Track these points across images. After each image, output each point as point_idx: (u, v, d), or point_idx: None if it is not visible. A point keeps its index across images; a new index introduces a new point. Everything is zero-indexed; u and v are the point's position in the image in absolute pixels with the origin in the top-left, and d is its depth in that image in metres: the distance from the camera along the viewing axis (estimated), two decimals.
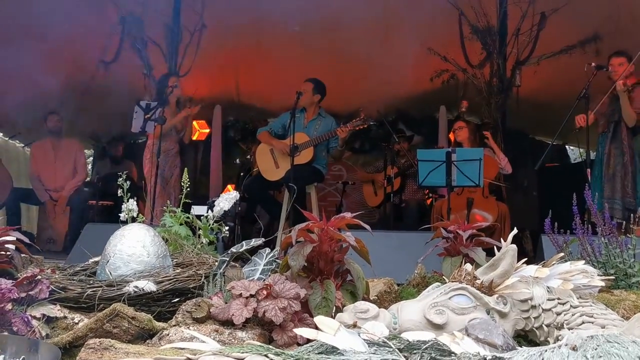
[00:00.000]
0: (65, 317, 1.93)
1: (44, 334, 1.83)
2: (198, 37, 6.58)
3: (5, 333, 1.73)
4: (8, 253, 2.31)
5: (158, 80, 6.06)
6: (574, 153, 9.14)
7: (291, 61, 6.91)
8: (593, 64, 4.52)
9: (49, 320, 1.90)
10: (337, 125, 5.22)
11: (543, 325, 1.78)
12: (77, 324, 1.90)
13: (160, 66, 6.54)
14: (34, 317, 1.86)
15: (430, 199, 6.39)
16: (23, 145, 8.19)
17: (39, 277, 2.00)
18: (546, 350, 1.20)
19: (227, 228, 3.02)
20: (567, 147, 8.85)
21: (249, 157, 7.22)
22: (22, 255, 2.41)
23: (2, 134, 7.61)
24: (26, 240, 2.39)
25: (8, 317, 1.80)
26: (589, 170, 4.28)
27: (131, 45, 6.61)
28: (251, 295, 1.84)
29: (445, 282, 1.91)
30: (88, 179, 6.95)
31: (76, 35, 6.17)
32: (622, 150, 4.69)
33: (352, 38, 6.61)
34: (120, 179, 3.00)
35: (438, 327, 1.70)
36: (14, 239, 2.31)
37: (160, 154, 5.15)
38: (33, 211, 7.17)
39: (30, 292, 1.93)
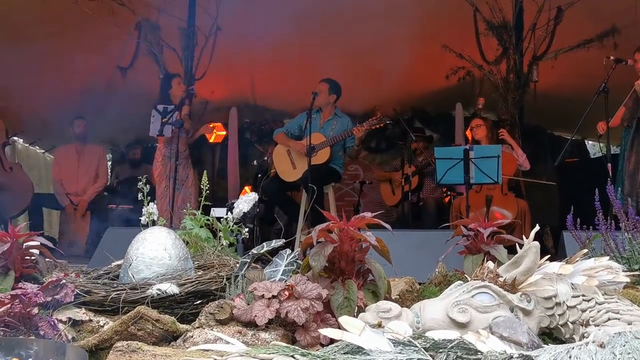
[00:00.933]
0: (90, 320, 1.95)
1: (70, 337, 1.85)
2: (213, 40, 6.61)
3: (32, 337, 1.76)
4: (33, 258, 2.34)
5: (161, 81, 6.11)
6: (594, 148, 9.05)
7: (306, 62, 6.92)
8: (612, 57, 4.47)
9: (74, 324, 1.93)
10: (353, 124, 5.22)
11: (568, 322, 1.76)
12: (102, 326, 1.93)
13: (176, 70, 6.58)
14: (60, 321, 1.89)
15: (449, 197, 6.36)
16: (43, 151, 8.29)
17: (64, 281, 2.02)
18: (573, 348, 1.19)
19: (246, 230, 3.03)
20: (586, 142, 8.76)
21: (266, 158, 7.24)
22: (47, 259, 2.44)
23: (22, 140, 7.71)
24: (50, 245, 2.42)
25: (34, 321, 1.82)
26: (609, 164, 4.23)
27: (147, 50, 6.66)
28: (273, 296, 1.84)
29: (467, 281, 1.90)
30: (108, 183, 7.02)
31: (93, 42, 6.25)
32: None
33: (367, 37, 6.60)
34: (140, 183, 3.02)
35: (461, 326, 1.69)
36: (38, 243, 2.35)
37: (175, 157, 5.19)
38: (54, 216, 7.27)
39: (55, 296, 1.95)
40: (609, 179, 2.88)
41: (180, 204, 5.15)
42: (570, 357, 1.15)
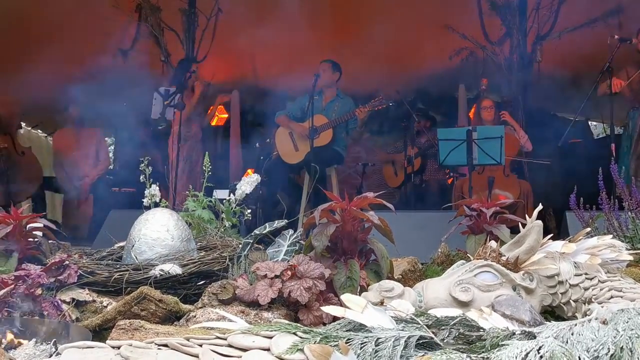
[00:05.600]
0: (94, 301, 1.96)
1: (74, 317, 1.86)
2: (214, 22, 6.57)
3: (37, 317, 1.77)
4: (36, 240, 2.35)
5: (176, 65, 6.09)
6: (597, 129, 9.00)
7: (308, 44, 6.87)
8: (616, 36, 4.43)
9: (78, 304, 1.94)
10: (355, 106, 5.20)
11: (570, 300, 1.76)
12: (105, 307, 1.93)
13: (177, 52, 6.55)
14: (64, 301, 1.90)
15: (452, 179, 6.35)
16: (46, 134, 8.29)
17: (67, 262, 2.03)
18: (576, 325, 1.19)
19: (249, 211, 3.03)
20: (590, 122, 8.71)
21: (268, 140, 7.22)
22: (50, 241, 2.44)
23: (25, 123, 7.70)
24: (52, 227, 2.42)
25: (38, 302, 1.83)
26: (613, 145, 4.21)
27: (148, 32, 6.62)
28: (276, 276, 1.84)
29: (470, 260, 1.89)
30: (111, 167, 7.02)
31: (93, 24, 6.21)
32: None
33: (370, 18, 6.54)
34: (142, 165, 3.02)
35: (464, 305, 1.69)
36: (41, 225, 2.35)
37: (181, 139, 5.19)
38: (57, 199, 7.28)
39: (59, 277, 1.96)
40: (612, 159, 2.85)
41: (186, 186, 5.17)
42: (572, 333, 1.15)
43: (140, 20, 6.58)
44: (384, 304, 1.60)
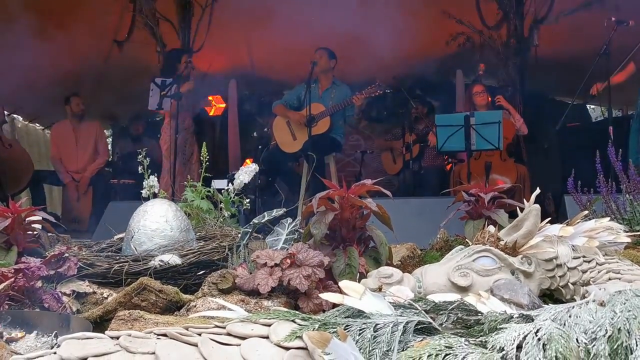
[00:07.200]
0: (94, 293, 1.97)
1: (74, 309, 1.87)
2: (210, 12, 6.54)
3: (37, 310, 1.77)
4: (35, 232, 2.35)
5: (166, 54, 6.07)
6: (595, 112, 8.99)
7: (305, 32, 6.83)
8: (613, 18, 4.41)
9: (78, 296, 1.94)
10: (352, 93, 5.19)
11: (569, 283, 1.77)
12: (106, 298, 1.94)
13: (173, 43, 6.52)
14: (64, 294, 1.90)
15: (450, 165, 6.35)
16: (43, 128, 8.27)
17: (67, 254, 2.03)
18: (573, 307, 1.20)
19: (248, 200, 3.04)
20: (587, 106, 8.69)
21: (266, 129, 7.22)
22: (49, 234, 2.44)
23: (22, 117, 7.69)
24: (51, 219, 2.42)
25: (39, 294, 1.83)
26: (611, 127, 4.21)
27: (143, 23, 6.59)
28: (275, 265, 1.85)
29: (469, 245, 1.90)
30: (110, 159, 7.02)
31: (88, 16, 6.18)
32: None
33: (365, 4, 6.51)
34: (140, 156, 3.02)
35: (463, 290, 1.70)
36: (40, 218, 2.35)
37: (178, 131, 5.18)
38: (56, 192, 7.28)
39: (58, 270, 1.96)
40: (610, 141, 2.85)
41: (181, 178, 5.17)
42: (570, 316, 1.16)
43: (134, 11, 6.54)
44: (383, 290, 1.60)
